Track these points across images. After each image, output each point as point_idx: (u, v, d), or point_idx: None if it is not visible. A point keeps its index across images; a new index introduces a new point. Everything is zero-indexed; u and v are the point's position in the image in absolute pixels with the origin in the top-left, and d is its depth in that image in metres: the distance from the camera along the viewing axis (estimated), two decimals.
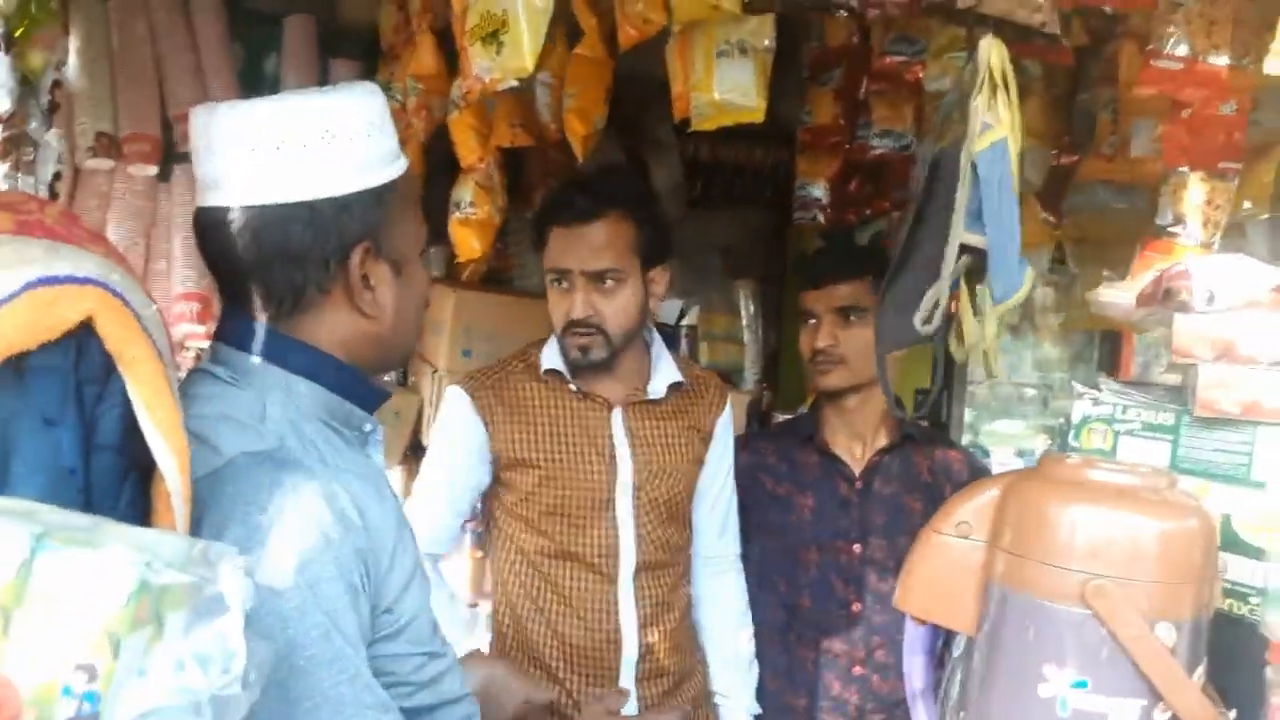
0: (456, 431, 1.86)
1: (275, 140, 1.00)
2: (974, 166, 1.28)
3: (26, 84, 2.38)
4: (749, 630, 1.99)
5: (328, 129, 1.01)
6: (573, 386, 1.86)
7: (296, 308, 1.05)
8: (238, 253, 1.03)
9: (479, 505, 2.00)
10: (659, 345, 1.94)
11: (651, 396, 1.89)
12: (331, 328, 1.07)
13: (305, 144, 1.01)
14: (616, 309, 1.78)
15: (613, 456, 1.84)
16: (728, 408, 1.99)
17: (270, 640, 0.88)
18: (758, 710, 1.98)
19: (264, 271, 1.03)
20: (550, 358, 1.87)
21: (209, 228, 1.05)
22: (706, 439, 1.94)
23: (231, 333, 1.07)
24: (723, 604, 1.99)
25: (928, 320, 1.36)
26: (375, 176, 1.05)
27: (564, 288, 1.79)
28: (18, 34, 2.16)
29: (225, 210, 1.02)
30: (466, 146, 2.29)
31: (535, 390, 1.86)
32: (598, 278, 1.76)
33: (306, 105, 1.03)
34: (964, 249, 1.33)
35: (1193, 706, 0.97)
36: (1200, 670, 1.02)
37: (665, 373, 1.91)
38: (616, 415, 1.86)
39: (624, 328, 1.80)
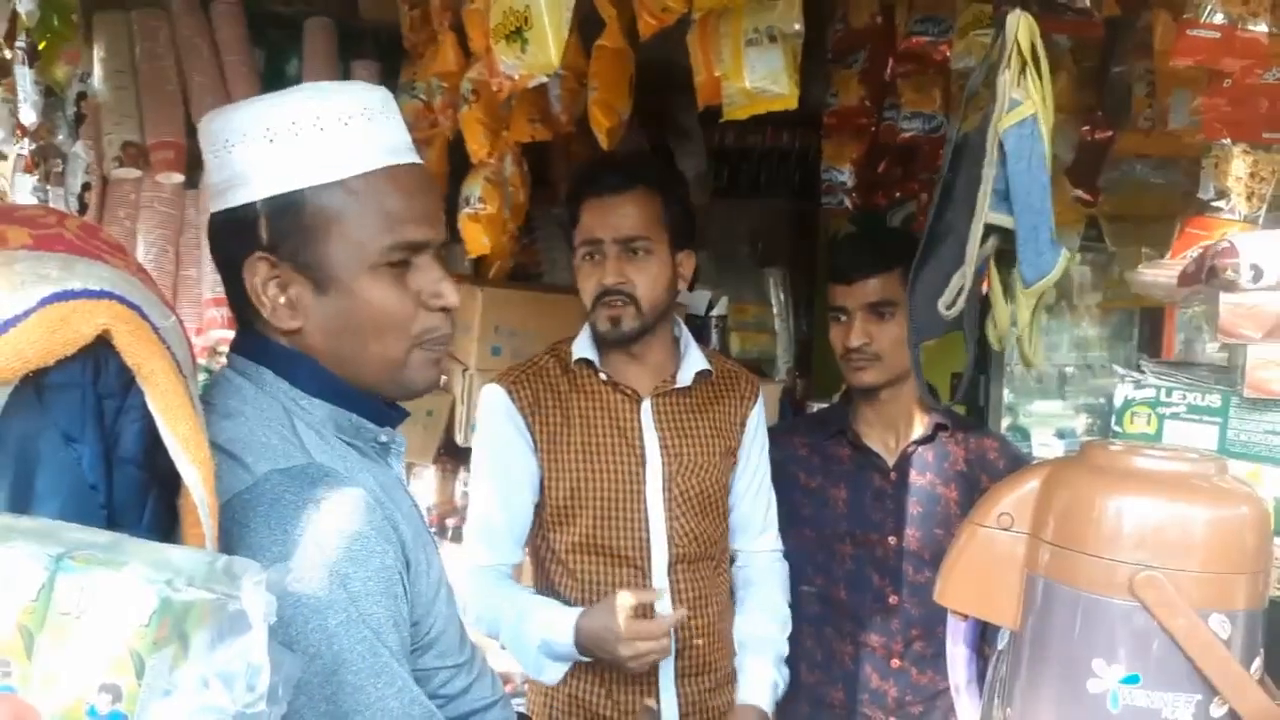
0: (502, 429, 1.85)
1: (210, 149, 1.03)
2: (1001, 145, 1.24)
3: (53, 96, 2.40)
4: (787, 629, 1.95)
5: (227, 139, 1.01)
6: (603, 375, 1.85)
7: (243, 319, 1.06)
8: (214, 260, 1.09)
9: None
10: (686, 336, 1.94)
11: (680, 385, 1.87)
12: (277, 339, 1.04)
13: (215, 154, 1.02)
14: (647, 278, 1.79)
15: (642, 449, 1.83)
16: (759, 400, 1.97)
17: (318, 656, 0.88)
18: (769, 708, 1.89)
19: (224, 278, 1.07)
20: (581, 347, 1.87)
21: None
22: (739, 431, 1.92)
23: (241, 342, 1.08)
24: (764, 597, 1.95)
25: (950, 305, 1.32)
26: (279, 184, 0.99)
27: (595, 260, 1.81)
28: (41, 47, 2.17)
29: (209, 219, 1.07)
30: (476, 141, 2.28)
31: (566, 382, 1.86)
32: (629, 246, 1.79)
33: (223, 116, 1.02)
34: (992, 230, 1.30)
35: (1250, 700, 0.94)
36: (1257, 662, 0.98)
37: (693, 362, 1.90)
38: (646, 406, 1.85)
39: (654, 299, 1.81)
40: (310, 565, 0.90)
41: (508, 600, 1.76)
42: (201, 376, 1.41)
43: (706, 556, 1.87)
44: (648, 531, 1.82)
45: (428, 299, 1.05)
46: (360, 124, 1.01)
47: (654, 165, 1.91)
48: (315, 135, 0.99)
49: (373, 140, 1.02)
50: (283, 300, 1.01)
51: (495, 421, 1.85)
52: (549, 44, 1.52)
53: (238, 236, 1.01)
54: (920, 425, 1.99)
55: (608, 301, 1.79)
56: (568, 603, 1.81)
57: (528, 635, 1.71)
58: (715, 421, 1.89)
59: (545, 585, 1.88)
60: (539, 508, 1.86)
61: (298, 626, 0.88)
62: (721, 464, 1.89)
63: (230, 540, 0.90)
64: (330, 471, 0.96)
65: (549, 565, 1.87)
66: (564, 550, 1.84)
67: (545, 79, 1.63)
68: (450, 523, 2.97)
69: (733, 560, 1.98)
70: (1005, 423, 3.72)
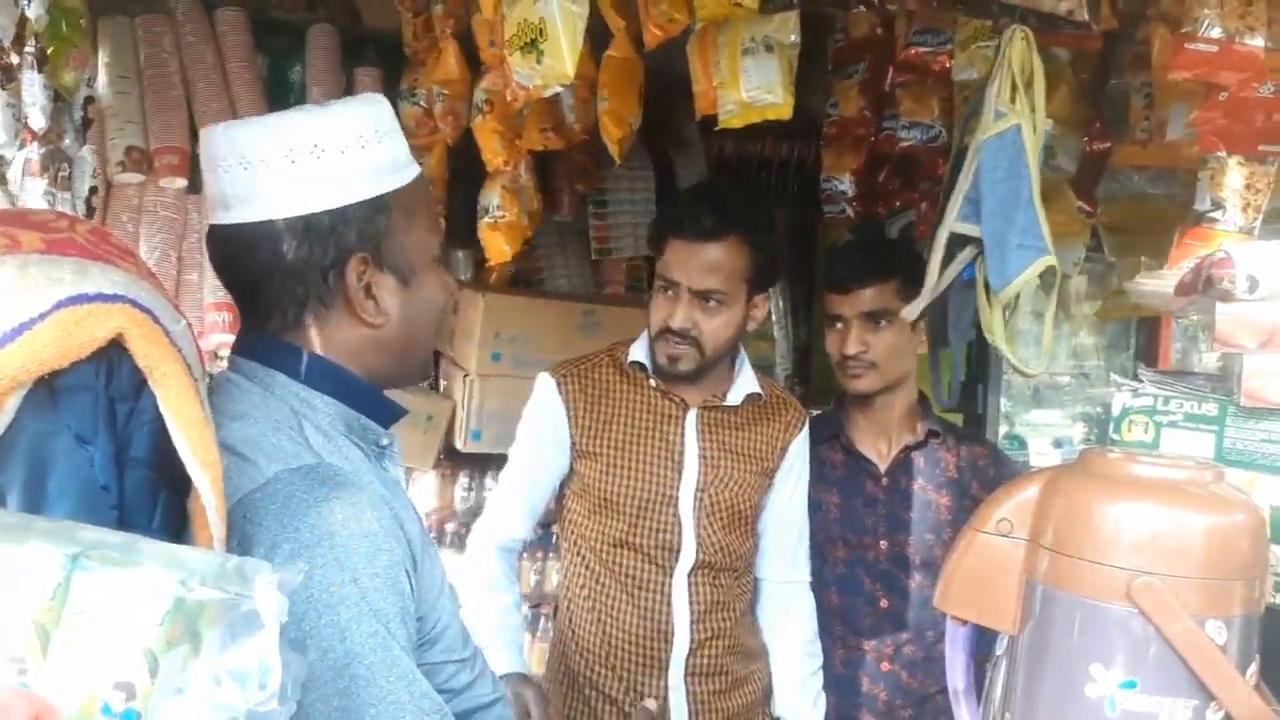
0: (541, 417, 1.91)
1: (265, 156, 1.01)
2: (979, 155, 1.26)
3: (60, 101, 2.40)
4: (819, 660, 1.96)
5: (316, 143, 1.02)
6: (653, 382, 1.89)
7: (300, 319, 1.06)
8: (242, 267, 1.05)
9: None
10: (743, 358, 1.96)
11: (729, 403, 1.90)
12: (339, 338, 1.07)
13: (294, 160, 1.01)
14: (714, 328, 1.81)
15: (681, 455, 1.87)
16: (804, 432, 1.98)
17: (330, 650, 0.90)
18: None
19: (267, 285, 1.05)
20: (638, 351, 1.90)
21: (216, 244, 1.07)
22: (778, 456, 1.94)
23: (250, 346, 1.09)
24: (793, 633, 1.97)
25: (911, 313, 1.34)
26: (372, 187, 1.05)
27: (669, 295, 1.82)
28: (50, 52, 2.18)
29: (228, 227, 1.04)
30: (491, 150, 2.30)
31: (617, 381, 1.90)
32: (704, 295, 1.79)
33: (293, 122, 1.03)
34: (968, 240, 1.31)
35: (1246, 706, 0.95)
36: (1253, 668, 0.99)
37: (745, 384, 1.93)
38: (691, 416, 1.88)
39: (718, 347, 1.83)
40: (322, 561, 0.91)
41: (484, 613, 1.78)
42: None
43: (729, 568, 1.90)
44: (677, 535, 1.85)
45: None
46: (400, 134, 1.10)
47: (749, 209, 1.85)
48: (377, 144, 1.06)
49: (406, 150, 1.12)
50: (373, 298, 1.07)
51: (537, 409, 1.92)
52: (564, 55, 1.54)
53: (320, 239, 1.03)
54: (912, 432, 2.01)
55: (670, 340, 1.81)
56: (598, 593, 1.87)
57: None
58: (756, 442, 1.92)
59: (576, 570, 1.93)
60: (576, 495, 1.90)
61: (310, 621, 0.90)
62: (754, 483, 1.90)
63: (242, 538, 0.91)
64: (339, 471, 0.98)
65: (581, 552, 1.91)
66: (595, 540, 1.88)
67: (559, 89, 1.65)
68: (449, 528, 2.97)
69: (756, 588, 1.99)
70: (1002, 430, 3.74)
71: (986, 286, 1.31)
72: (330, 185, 1.02)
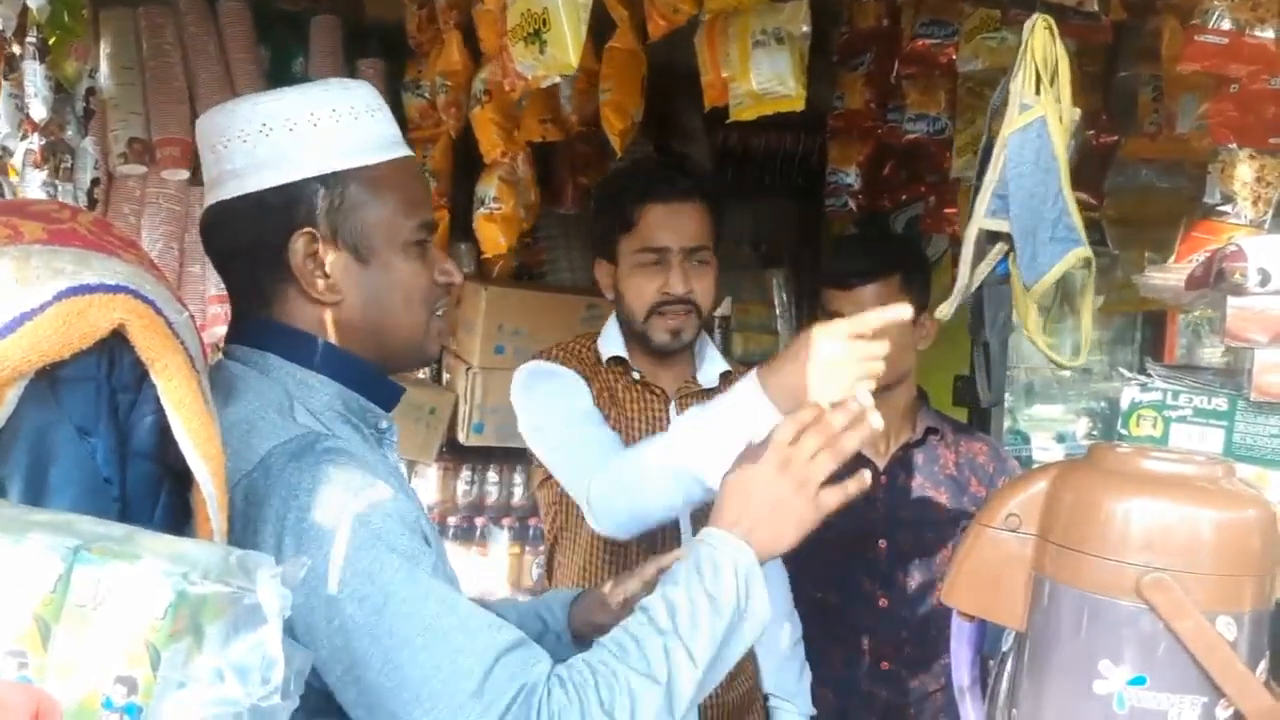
0: (573, 386, 1.78)
1: (222, 139, 1.06)
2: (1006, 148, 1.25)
3: (62, 92, 2.39)
4: (799, 629, 1.95)
5: (264, 123, 1.05)
6: (635, 374, 1.85)
7: (262, 298, 1.09)
8: (214, 249, 1.11)
9: (538, 497, 1.99)
10: (703, 338, 1.93)
11: (704, 386, 1.88)
12: (303, 317, 1.08)
13: (245, 139, 1.05)
14: (707, 288, 1.80)
15: None
16: None
17: (366, 598, 0.91)
18: (813, 712, 1.95)
19: (233, 265, 1.10)
20: (612, 345, 1.86)
21: (201, 228, 1.13)
22: None
23: (242, 330, 1.11)
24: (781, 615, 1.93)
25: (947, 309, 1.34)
26: (327, 163, 1.06)
27: (658, 266, 1.78)
28: (51, 42, 2.17)
29: (206, 210, 1.10)
30: (489, 141, 2.29)
31: (602, 373, 1.86)
32: (694, 255, 1.77)
33: (247, 105, 1.07)
34: (998, 235, 1.30)
35: (1257, 702, 0.94)
36: (1263, 665, 0.99)
37: (713, 362, 1.90)
38: (672, 405, 1.86)
39: (709, 308, 1.82)
40: (331, 519, 0.92)
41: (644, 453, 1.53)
42: None
43: None
44: (677, 526, 1.82)
45: (438, 276, 1.15)
46: (380, 116, 1.11)
47: (705, 173, 1.87)
48: (352, 122, 1.08)
49: (388, 131, 1.12)
50: (324, 274, 1.07)
51: (570, 390, 1.78)
52: (567, 45, 1.54)
53: (269, 216, 1.05)
54: (910, 429, 2.00)
55: (671, 311, 1.77)
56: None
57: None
58: None
59: (571, 574, 1.89)
60: (569, 495, 1.87)
61: (343, 576, 0.91)
62: None
63: (245, 520, 0.92)
64: (329, 438, 1.00)
65: (579, 553, 1.87)
66: (591, 543, 1.83)
67: (559, 79, 1.64)
68: (452, 521, 2.97)
69: None
70: (1005, 425, 3.72)
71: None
72: (282, 162, 1.05)
